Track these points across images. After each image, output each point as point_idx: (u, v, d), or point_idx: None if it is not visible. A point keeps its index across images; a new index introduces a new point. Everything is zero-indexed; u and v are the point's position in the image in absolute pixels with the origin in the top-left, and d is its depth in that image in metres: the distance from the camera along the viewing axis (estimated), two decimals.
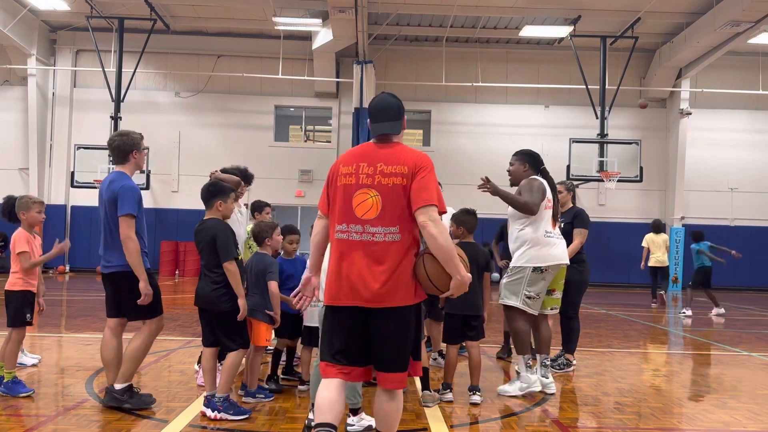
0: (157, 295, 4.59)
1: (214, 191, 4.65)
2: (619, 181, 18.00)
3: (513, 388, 5.31)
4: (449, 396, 5.11)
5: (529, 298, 5.24)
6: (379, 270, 3.11)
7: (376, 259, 3.13)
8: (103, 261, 4.65)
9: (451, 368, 5.16)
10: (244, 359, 4.73)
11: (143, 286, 4.45)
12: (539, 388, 5.32)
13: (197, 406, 4.67)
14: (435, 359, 6.52)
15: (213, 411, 4.32)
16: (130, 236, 4.40)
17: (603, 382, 6.03)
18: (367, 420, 4.25)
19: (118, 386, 4.48)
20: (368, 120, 3.41)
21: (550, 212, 5.32)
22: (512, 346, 7.24)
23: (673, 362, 7.49)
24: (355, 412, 4.26)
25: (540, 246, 5.22)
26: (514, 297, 5.28)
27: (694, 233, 13.44)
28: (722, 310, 12.85)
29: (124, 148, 4.62)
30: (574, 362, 6.52)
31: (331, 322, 3.24)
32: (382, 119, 3.34)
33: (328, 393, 3.15)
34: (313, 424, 3.19)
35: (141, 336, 4.61)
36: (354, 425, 4.23)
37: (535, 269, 5.21)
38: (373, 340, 3.18)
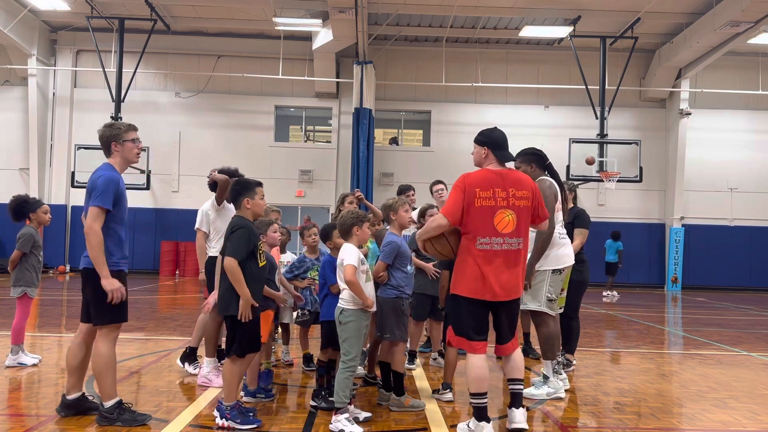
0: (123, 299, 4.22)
1: (239, 189, 4.38)
2: (618, 181, 18.02)
3: (540, 392, 5.23)
4: (449, 396, 5.11)
5: (550, 300, 5.21)
6: (515, 271, 4.08)
7: (513, 263, 4.07)
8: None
9: (450, 368, 5.16)
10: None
11: (105, 282, 4.05)
12: (564, 395, 5.26)
13: (197, 406, 4.67)
14: (435, 359, 6.52)
15: (221, 418, 4.17)
16: (93, 228, 4.05)
17: (603, 382, 6.03)
18: (341, 424, 4.13)
19: (107, 404, 4.18)
20: (490, 147, 4.22)
21: (560, 213, 5.28)
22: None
23: (673, 362, 7.49)
24: (337, 410, 4.18)
25: (557, 248, 5.19)
26: (536, 302, 5.21)
27: (614, 233, 16.24)
28: (615, 294, 16.20)
29: (104, 140, 4.42)
30: (574, 362, 6.52)
31: (468, 310, 4.09)
32: (506, 148, 4.28)
33: (478, 363, 4.05)
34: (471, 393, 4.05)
35: (103, 345, 4.18)
36: (332, 424, 4.17)
37: (554, 271, 5.19)
38: (504, 321, 4.15)
